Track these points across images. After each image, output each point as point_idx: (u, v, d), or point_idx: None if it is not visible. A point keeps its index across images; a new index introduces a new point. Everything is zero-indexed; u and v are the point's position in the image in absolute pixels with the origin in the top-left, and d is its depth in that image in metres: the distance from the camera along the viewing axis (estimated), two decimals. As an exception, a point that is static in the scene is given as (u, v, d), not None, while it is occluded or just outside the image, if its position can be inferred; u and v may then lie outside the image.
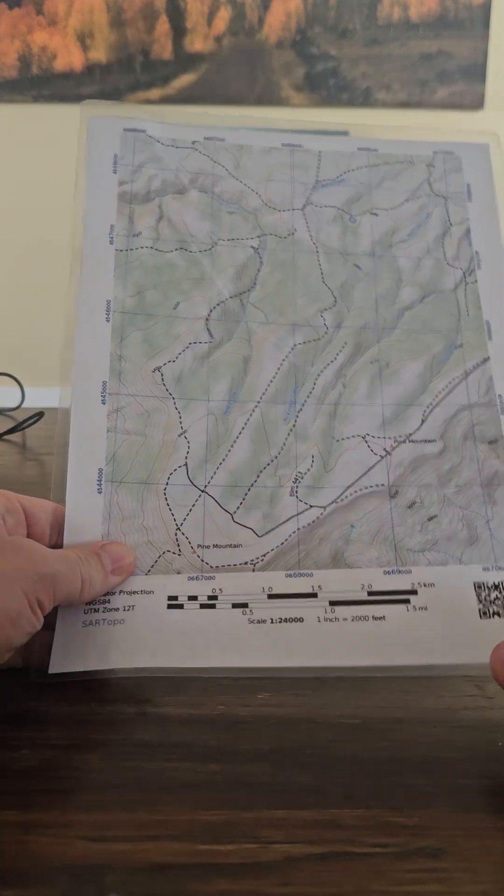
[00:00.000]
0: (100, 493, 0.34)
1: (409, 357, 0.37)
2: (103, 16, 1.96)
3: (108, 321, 0.36)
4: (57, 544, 0.33)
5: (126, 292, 0.37)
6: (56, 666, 0.30)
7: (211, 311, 0.37)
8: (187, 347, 0.36)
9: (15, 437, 0.78)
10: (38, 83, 1.98)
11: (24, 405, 0.92)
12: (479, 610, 0.32)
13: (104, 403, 0.35)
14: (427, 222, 0.40)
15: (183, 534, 0.33)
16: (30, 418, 0.80)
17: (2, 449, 0.74)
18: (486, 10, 1.97)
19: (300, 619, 0.31)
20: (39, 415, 0.80)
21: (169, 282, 0.37)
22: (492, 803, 0.25)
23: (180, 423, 0.35)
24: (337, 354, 0.37)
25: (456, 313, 0.38)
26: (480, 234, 0.40)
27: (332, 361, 0.37)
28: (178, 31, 1.97)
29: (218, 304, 0.37)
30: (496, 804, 0.25)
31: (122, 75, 1.99)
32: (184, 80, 1.99)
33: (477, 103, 2.01)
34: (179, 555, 0.33)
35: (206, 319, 0.37)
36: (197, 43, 1.98)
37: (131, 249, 0.37)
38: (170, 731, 0.28)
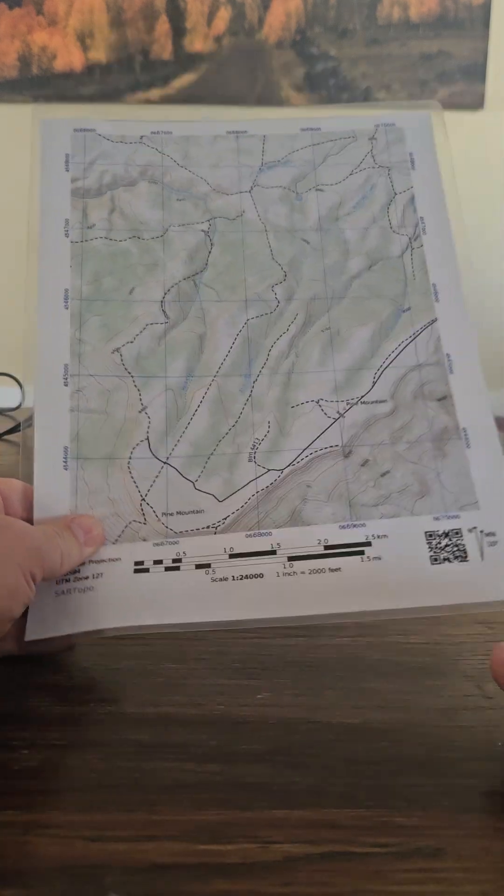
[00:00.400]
0: (66, 469, 0.35)
1: (358, 323, 0.38)
2: (103, 16, 1.97)
3: (66, 308, 0.38)
4: (27, 521, 0.34)
5: (83, 280, 0.39)
6: (31, 633, 0.31)
7: (165, 293, 0.39)
8: (144, 329, 0.38)
9: (15, 437, 0.78)
10: (38, 83, 1.98)
11: (23, 405, 0.92)
12: (430, 557, 0.33)
13: (66, 385, 0.37)
14: (372, 193, 0.41)
15: (148, 504, 0.35)
16: (30, 418, 0.80)
17: (2, 449, 0.74)
18: (486, 10, 1.97)
19: (260, 576, 0.33)
20: (39, 415, 0.80)
21: (124, 268, 0.39)
22: (492, 803, 0.25)
23: (140, 400, 0.37)
24: (289, 326, 0.38)
25: (403, 278, 0.39)
26: (425, 201, 0.41)
27: (284, 333, 0.38)
28: (178, 31, 1.97)
29: (172, 287, 0.39)
30: (496, 804, 0.25)
31: (122, 75, 1.99)
32: (184, 80, 1.99)
33: (477, 103, 2.01)
34: (145, 524, 0.35)
35: (161, 302, 0.38)
36: (197, 43, 1.98)
37: (86, 241, 0.39)
38: (169, 731, 0.28)
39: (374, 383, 0.37)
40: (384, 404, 0.37)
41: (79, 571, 0.33)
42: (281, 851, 0.23)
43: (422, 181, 0.41)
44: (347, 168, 0.41)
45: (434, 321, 0.38)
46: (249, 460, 0.36)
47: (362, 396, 0.37)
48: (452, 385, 0.37)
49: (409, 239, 0.40)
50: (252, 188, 0.41)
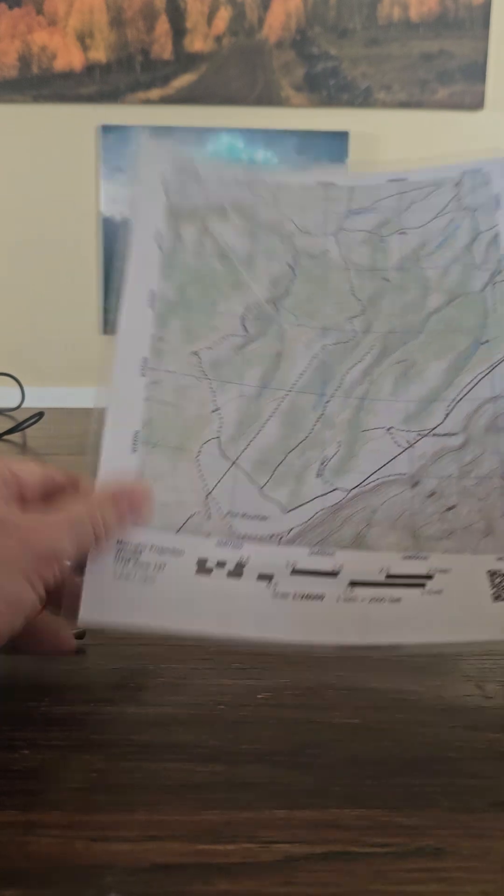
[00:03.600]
0: (134, 451, 0.36)
1: (434, 356, 0.39)
2: (103, 16, 1.97)
3: (151, 307, 0.39)
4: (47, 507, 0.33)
5: (169, 286, 0.40)
6: (86, 616, 0.31)
7: (246, 310, 0.40)
8: (224, 338, 0.39)
9: (15, 437, 0.78)
10: (38, 83, 1.99)
11: (24, 405, 0.92)
12: (493, 594, 0.32)
13: (143, 376, 0.38)
14: (455, 233, 0.42)
15: (214, 499, 0.35)
16: (30, 418, 0.80)
17: (2, 449, 0.74)
18: (486, 10, 1.97)
19: (321, 597, 0.32)
20: (39, 415, 0.81)
21: (209, 283, 0.41)
22: (492, 803, 0.25)
23: (214, 400, 0.38)
24: (364, 356, 0.39)
25: (483, 312, 0.39)
26: None
27: (359, 362, 0.39)
28: (178, 31, 1.97)
29: (253, 305, 0.40)
30: (496, 804, 0.25)
31: (122, 75, 1.99)
32: (184, 79, 1.99)
33: (477, 103, 2.01)
34: (209, 519, 0.35)
35: (242, 317, 0.40)
36: (197, 43, 1.98)
37: (176, 252, 0.41)
38: (170, 731, 0.28)
39: (447, 415, 0.37)
40: (455, 437, 0.37)
41: (140, 555, 0.32)
42: (282, 851, 0.23)
43: None
44: (432, 212, 0.42)
45: None
46: (317, 476, 0.36)
47: (433, 428, 0.37)
48: None
49: (492, 274, 0.40)
50: (337, 232, 0.42)
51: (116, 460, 0.35)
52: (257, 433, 0.37)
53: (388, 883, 0.22)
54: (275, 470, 0.36)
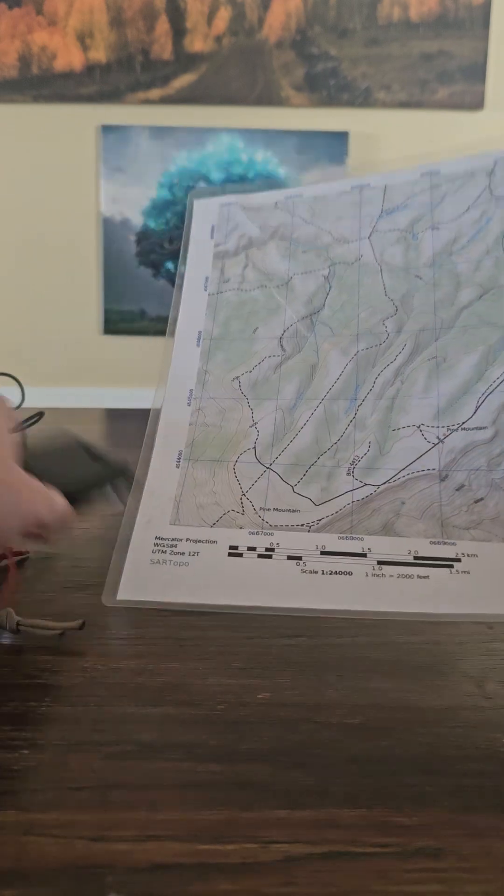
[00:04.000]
0: (177, 467, 0.40)
1: (464, 351, 0.40)
2: (103, 16, 1.97)
3: (198, 346, 0.44)
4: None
5: (214, 324, 0.45)
6: (124, 593, 0.34)
7: (284, 331, 0.43)
8: (263, 360, 0.43)
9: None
10: (38, 83, 1.98)
11: (24, 405, 0.92)
12: None
13: (189, 405, 0.42)
14: (487, 226, 0.42)
15: (248, 498, 0.38)
16: (30, 418, 0.80)
17: (2, 449, 0.74)
18: (486, 10, 1.97)
19: (349, 573, 0.34)
20: (40, 415, 0.81)
21: (250, 312, 0.45)
22: (492, 803, 0.25)
23: (252, 417, 0.41)
24: (396, 356, 0.41)
25: None
26: None
27: (391, 362, 0.41)
28: (178, 31, 1.97)
29: (290, 325, 0.43)
30: (496, 804, 0.25)
31: (122, 75, 1.99)
32: (184, 79, 1.99)
33: (477, 103, 2.01)
34: (242, 514, 0.37)
35: (280, 338, 0.43)
36: (197, 43, 1.98)
37: (220, 293, 0.46)
38: (170, 731, 0.28)
39: (477, 409, 0.38)
40: (484, 431, 0.37)
41: (176, 546, 0.36)
42: (282, 851, 0.23)
43: None
44: (464, 204, 0.43)
45: None
46: (348, 474, 0.38)
47: (463, 423, 0.38)
48: None
49: None
50: (371, 234, 0.45)
51: (161, 474, 0.39)
52: (292, 440, 0.40)
53: (388, 883, 0.22)
54: (307, 471, 0.38)
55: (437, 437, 0.38)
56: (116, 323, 2.01)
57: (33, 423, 0.80)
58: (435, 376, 0.39)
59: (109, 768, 0.26)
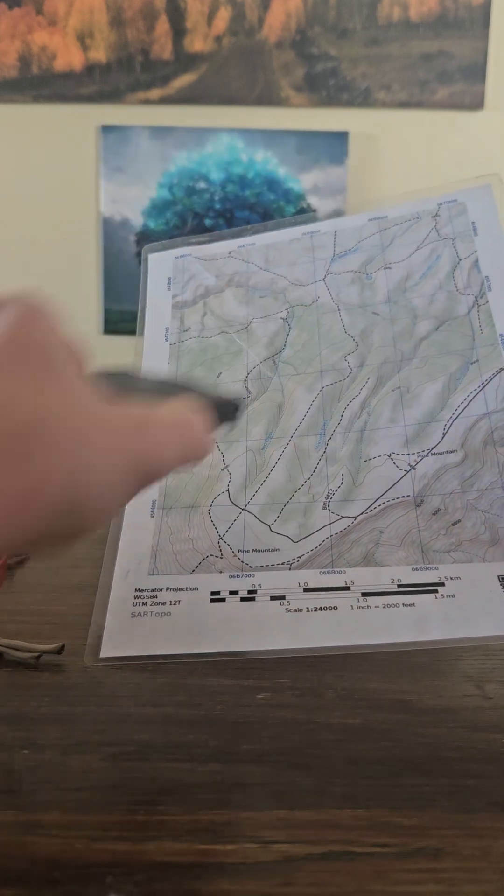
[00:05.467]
0: (152, 517, 0.39)
1: (427, 380, 0.40)
2: (103, 16, 1.96)
3: None
4: None
5: (177, 372, 0.45)
6: (106, 651, 0.33)
7: (248, 373, 0.43)
8: None
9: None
10: (38, 83, 1.98)
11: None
12: None
13: None
14: (437, 263, 0.43)
15: (225, 542, 0.37)
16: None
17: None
18: (486, 10, 1.97)
19: (334, 608, 0.34)
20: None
21: (212, 358, 0.44)
22: (492, 803, 0.25)
23: (223, 460, 0.41)
24: (361, 389, 0.41)
25: (470, 334, 0.41)
26: (489, 261, 0.43)
27: (356, 396, 0.41)
28: (178, 31, 1.97)
29: (254, 368, 0.43)
30: (496, 804, 0.25)
31: (122, 75, 1.98)
32: (184, 79, 1.99)
33: (477, 103, 2.01)
34: (221, 558, 0.37)
35: (245, 380, 0.43)
36: (197, 43, 1.98)
37: (182, 342, 0.46)
38: (170, 731, 0.28)
39: (445, 434, 0.38)
40: (454, 454, 0.38)
41: (156, 596, 0.35)
42: (281, 851, 0.23)
43: (485, 244, 0.43)
44: (413, 245, 0.44)
45: (502, 370, 0.39)
46: (324, 508, 0.38)
47: (433, 448, 0.38)
48: None
49: (475, 297, 0.42)
50: (326, 276, 0.45)
51: (136, 527, 0.39)
52: (264, 480, 0.39)
53: (388, 883, 0.22)
54: (283, 509, 0.38)
55: (409, 464, 0.38)
56: (116, 323, 2.00)
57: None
58: (400, 406, 0.40)
59: (109, 768, 0.26)
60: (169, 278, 0.48)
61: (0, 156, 2.04)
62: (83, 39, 1.97)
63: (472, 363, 0.40)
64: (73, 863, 0.22)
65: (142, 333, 0.47)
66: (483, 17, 1.97)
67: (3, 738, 0.28)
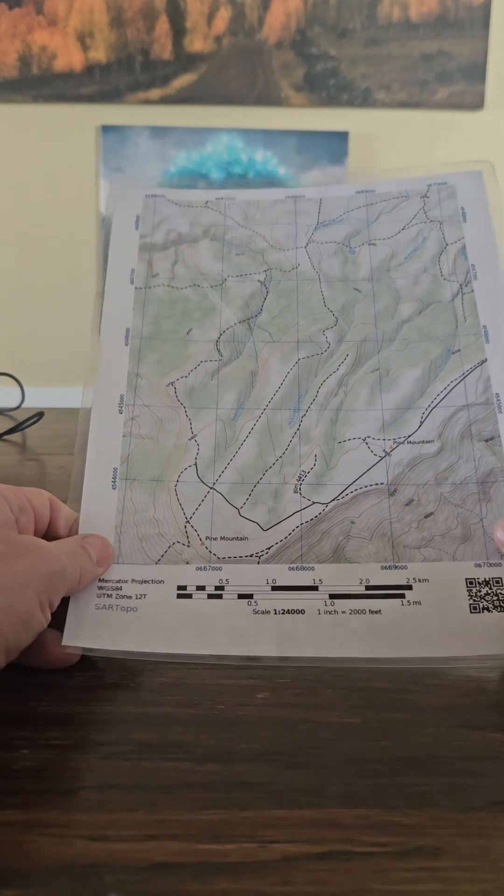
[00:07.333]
0: (114, 488, 0.37)
1: (407, 364, 0.39)
2: (103, 16, 1.97)
3: (126, 345, 0.41)
4: (54, 535, 0.35)
5: (143, 322, 0.42)
6: (68, 640, 0.32)
7: (221, 334, 0.41)
8: (198, 365, 0.40)
9: (15, 437, 0.78)
10: (38, 83, 1.98)
11: (24, 405, 0.92)
12: (470, 605, 0.33)
13: (121, 413, 0.39)
14: (423, 245, 0.43)
15: (192, 526, 0.36)
16: (30, 418, 0.80)
17: (2, 449, 0.74)
18: (486, 10, 1.97)
19: (302, 612, 0.33)
20: (39, 415, 0.81)
21: (182, 312, 0.42)
22: (491, 803, 0.25)
23: (191, 428, 0.39)
24: (339, 366, 0.40)
25: (453, 321, 0.40)
26: (476, 249, 0.42)
27: (334, 372, 0.40)
28: (178, 31, 1.97)
29: (227, 329, 0.41)
30: (495, 803, 0.25)
31: (122, 75, 1.99)
32: (184, 79, 1.99)
33: (477, 103, 2.01)
34: (188, 546, 0.36)
35: (216, 341, 0.41)
36: (197, 43, 1.98)
37: (149, 288, 0.43)
38: (169, 731, 0.28)
39: (422, 423, 0.38)
40: (431, 444, 0.37)
41: (121, 588, 0.34)
42: (281, 851, 0.23)
43: (473, 231, 0.43)
44: (400, 224, 0.43)
45: (484, 361, 0.39)
46: (295, 491, 0.37)
47: (409, 436, 0.38)
48: (501, 425, 0.37)
49: (461, 285, 0.41)
50: (307, 244, 0.43)
51: (97, 499, 0.36)
52: (234, 455, 0.38)
53: (387, 882, 0.22)
54: (252, 490, 0.37)
55: (384, 451, 0.37)
56: (116, 323, 2.00)
57: (33, 423, 0.80)
58: (378, 389, 0.39)
59: (109, 768, 0.26)
60: (138, 216, 0.45)
61: (0, 156, 2.04)
62: (83, 39, 1.97)
63: (453, 352, 0.39)
64: (72, 862, 0.22)
65: (104, 275, 0.43)
66: (483, 17, 1.97)
67: (3, 738, 0.28)
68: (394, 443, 0.37)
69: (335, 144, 2.00)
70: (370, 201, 0.44)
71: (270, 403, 0.39)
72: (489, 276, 0.41)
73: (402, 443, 0.37)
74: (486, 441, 0.37)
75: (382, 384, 0.39)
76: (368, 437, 0.38)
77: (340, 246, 0.43)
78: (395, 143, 2.04)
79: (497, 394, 0.38)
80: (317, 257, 0.43)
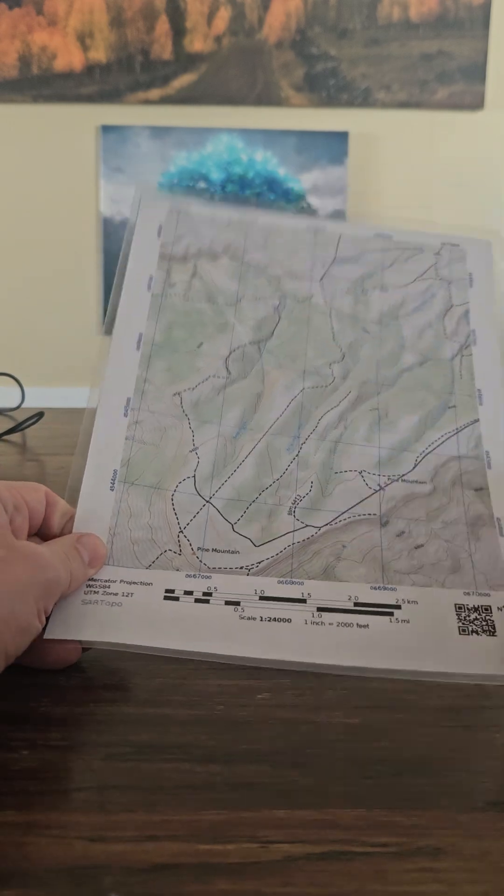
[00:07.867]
0: (112, 490, 0.37)
1: (405, 410, 0.41)
2: (103, 16, 1.97)
3: (137, 350, 0.42)
4: (48, 531, 0.35)
5: (156, 329, 0.42)
6: (53, 633, 0.32)
7: (231, 352, 0.42)
8: (206, 379, 0.41)
9: (15, 437, 0.78)
10: (38, 83, 1.99)
11: (24, 405, 0.92)
12: (459, 627, 0.33)
13: (126, 416, 0.39)
14: (431, 301, 0.44)
15: (185, 536, 0.36)
16: (30, 418, 0.80)
17: (2, 449, 0.74)
18: (486, 10, 1.97)
19: (288, 620, 0.33)
20: (39, 415, 0.81)
21: (195, 324, 0.43)
22: (491, 803, 0.25)
23: (193, 440, 0.39)
24: (341, 401, 0.41)
25: (451, 378, 0.42)
26: (478, 316, 0.44)
27: (335, 406, 0.41)
28: (178, 31, 1.97)
29: (238, 347, 0.42)
30: (495, 804, 0.25)
31: (122, 75, 1.99)
32: (184, 79, 1.99)
33: (477, 103, 2.01)
34: (180, 554, 0.36)
35: (226, 358, 0.42)
36: (197, 43, 1.98)
37: (166, 296, 0.43)
38: (169, 732, 0.28)
39: (416, 465, 0.39)
40: (424, 485, 0.38)
41: (108, 587, 0.34)
42: (281, 851, 0.23)
43: (477, 298, 0.44)
44: (412, 275, 0.45)
45: (476, 421, 0.41)
46: (289, 514, 0.37)
47: (404, 475, 0.39)
48: (490, 479, 0.39)
49: (461, 346, 0.43)
50: (323, 277, 0.45)
51: (94, 499, 0.37)
52: (232, 473, 0.38)
53: (388, 883, 0.22)
54: (247, 507, 0.37)
55: (378, 485, 0.38)
56: (116, 323, 2.00)
57: (33, 423, 0.80)
58: (377, 428, 0.40)
59: (109, 769, 0.26)
60: (160, 225, 0.45)
61: (0, 156, 2.04)
62: (83, 39, 1.97)
63: (449, 407, 0.41)
64: (73, 863, 0.22)
65: (121, 281, 0.43)
66: (483, 17, 1.98)
67: (3, 738, 0.28)
68: (388, 479, 0.38)
69: (335, 144, 2.00)
70: (386, 247, 0.46)
71: (272, 428, 0.40)
72: (487, 344, 0.43)
73: (397, 480, 0.38)
74: (476, 490, 0.39)
75: (381, 424, 0.40)
76: (364, 470, 0.39)
77: (354, 285, 0.44)
78: (395, 144, 2.04)
79: (487, 451, 0.40)
80: (330, 292, 0.44)
